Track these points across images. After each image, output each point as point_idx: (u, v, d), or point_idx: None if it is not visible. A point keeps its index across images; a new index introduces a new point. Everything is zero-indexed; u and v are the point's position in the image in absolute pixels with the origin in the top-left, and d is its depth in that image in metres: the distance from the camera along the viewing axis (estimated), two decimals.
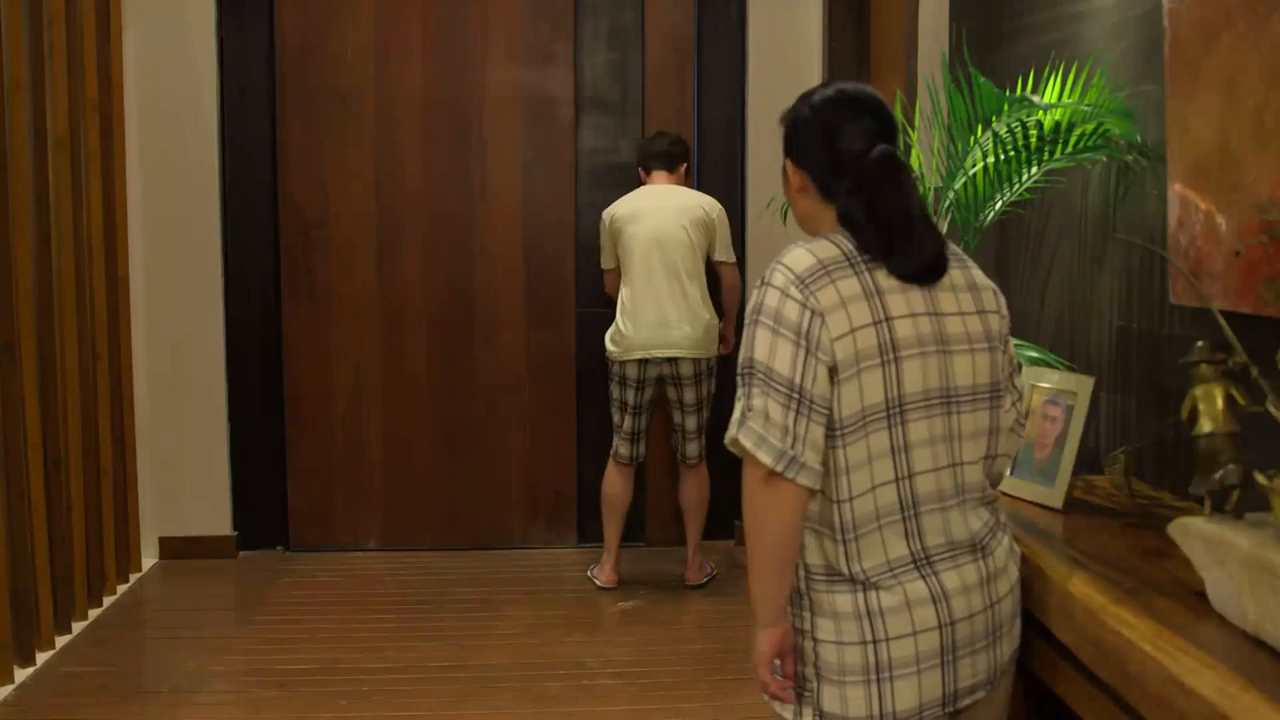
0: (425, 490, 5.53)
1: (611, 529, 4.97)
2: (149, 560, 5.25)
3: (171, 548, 5.30)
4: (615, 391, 4.90)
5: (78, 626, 4.44)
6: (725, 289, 5.05)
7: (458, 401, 5.49)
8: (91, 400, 4.66)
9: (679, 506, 5.15)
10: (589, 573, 5.06)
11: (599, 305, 5.36)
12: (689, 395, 4.84)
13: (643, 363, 4.78)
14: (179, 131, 5.18)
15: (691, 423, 4.89)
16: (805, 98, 2.05)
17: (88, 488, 4.58)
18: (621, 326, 4.80)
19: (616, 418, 4.92)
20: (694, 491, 4.99)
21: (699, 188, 5.57)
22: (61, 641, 4.28)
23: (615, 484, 4.95)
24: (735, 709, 3.74)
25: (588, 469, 5.45)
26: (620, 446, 4.92)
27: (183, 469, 5.29)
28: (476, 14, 5.36)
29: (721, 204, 4.98)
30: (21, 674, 3.96)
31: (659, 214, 4.80)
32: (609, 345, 4.86)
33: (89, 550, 4.57)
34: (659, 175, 4.94)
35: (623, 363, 4.81)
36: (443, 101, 5.38)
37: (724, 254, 4.94)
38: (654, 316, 4.73)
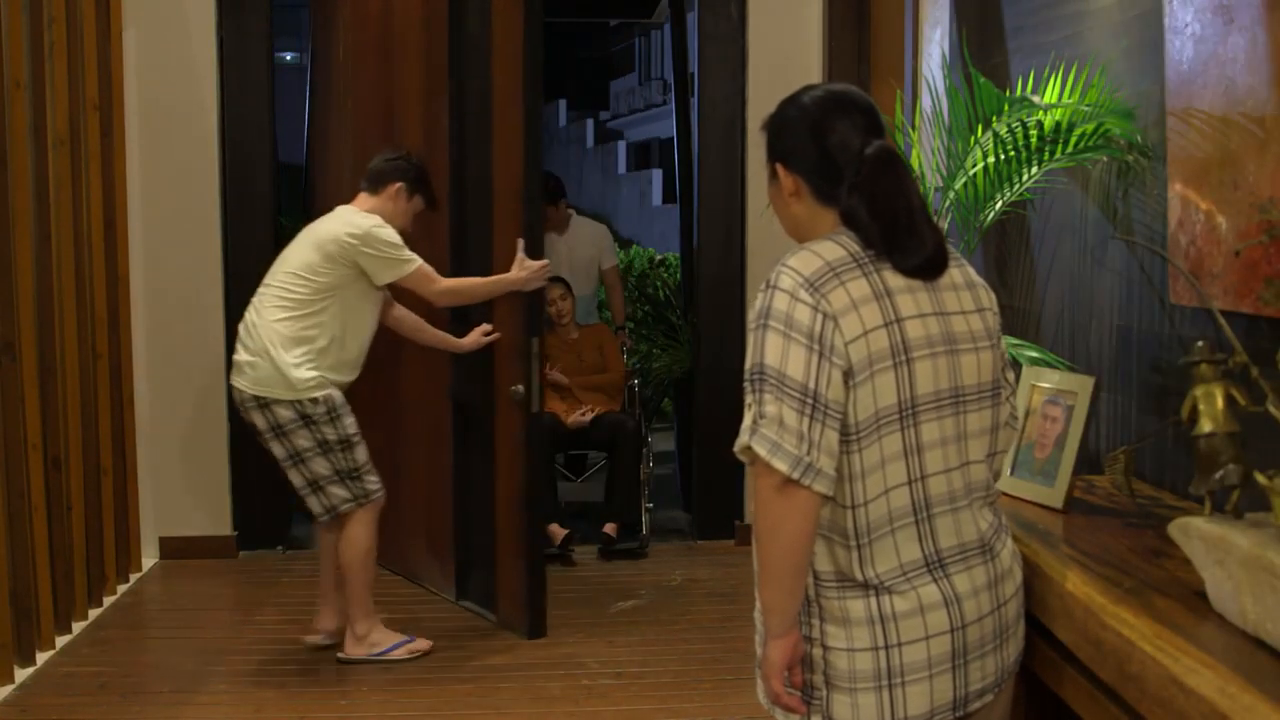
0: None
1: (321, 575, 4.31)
2: (149, 560, 5.25)
3: (172, 548, 5.30)
4: None
5: (78, 626, 4.43)
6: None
7: (386, 417, 5.08)
8: (92, 400, 4.66)
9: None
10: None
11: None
12: (276, 449, 4.02)
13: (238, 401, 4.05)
14: (179, 131, 5.18)
15: (295, 478, 4.06)
16: (791, 100, 2.02)
17: (88, 487, 4.58)
18: None
19: None
20: (331, 554, 4.22)
21: (699, 191, 5.58)
22: (61, 641, 4.28)
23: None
24: (735, 709, 3.74)
25: (465, 512, 4.75)
26: None
27: (183, 469, 5.29)
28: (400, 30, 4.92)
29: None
30: (22, 674, 3.95)
31: (301, 238, 4.12)
32: None
33: (89, 550, 4.56)
34: (360, 198, 4.19)
35: None
36: (379, 103, 5.07)
37: (386, 275, 4.06)
38: (237, 347, 4.06)
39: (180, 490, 5.30)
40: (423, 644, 4.23)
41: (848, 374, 1.81)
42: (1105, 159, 3.13)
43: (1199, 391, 2.07)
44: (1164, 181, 2.82)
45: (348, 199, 4.16)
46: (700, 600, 4.84)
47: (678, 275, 7.98)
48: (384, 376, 4.90)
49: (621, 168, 26.61)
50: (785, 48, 5.33)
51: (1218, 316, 2.10)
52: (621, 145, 27.22)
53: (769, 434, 1.78)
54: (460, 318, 4.49)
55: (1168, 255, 2.75)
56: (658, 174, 23.54)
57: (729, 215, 5.46)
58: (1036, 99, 3.20)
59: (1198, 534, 1.91)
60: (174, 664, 4.16)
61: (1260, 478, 1.84)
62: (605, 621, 4.58)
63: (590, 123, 29.18)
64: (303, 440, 3.97)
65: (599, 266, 6.41)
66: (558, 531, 5.32)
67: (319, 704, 3.82)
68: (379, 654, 4.14)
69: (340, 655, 4.14)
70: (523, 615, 4.41)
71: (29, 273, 4.06)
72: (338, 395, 4.02)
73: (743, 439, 1.82)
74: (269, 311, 3.99)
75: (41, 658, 4.10)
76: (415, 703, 3.84)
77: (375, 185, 4.18)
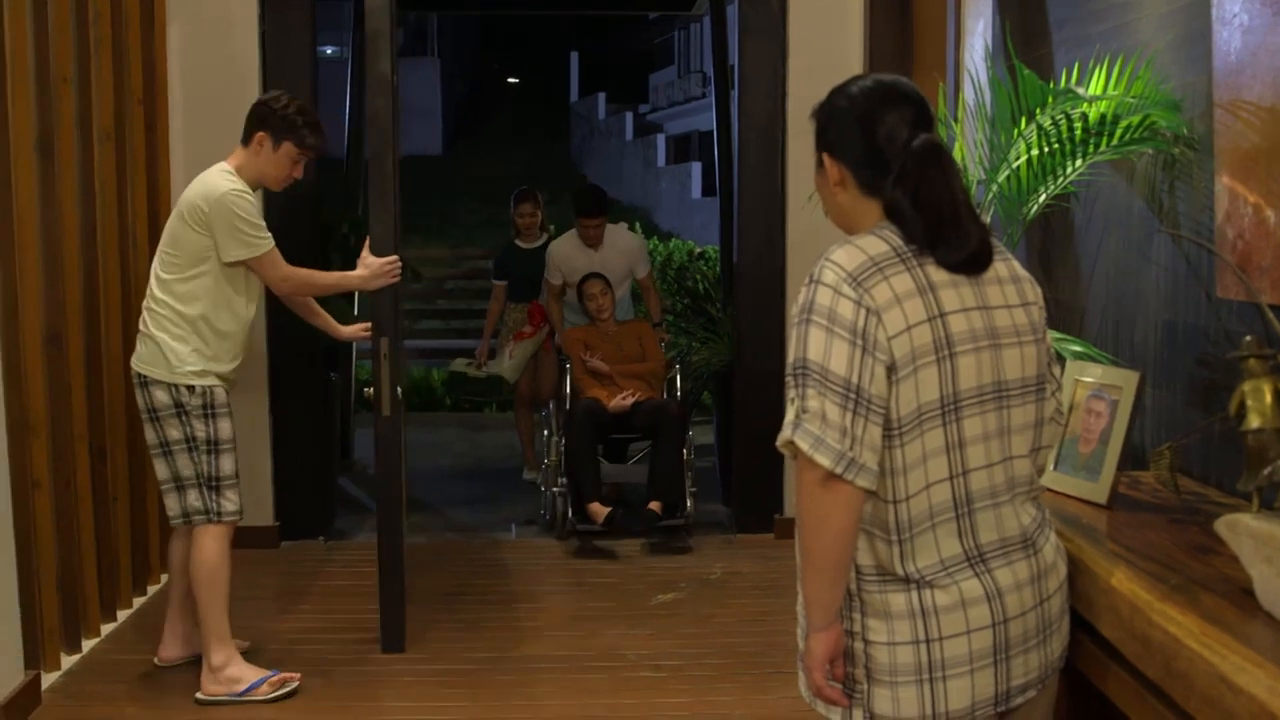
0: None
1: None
2: None
3: None
4: None
5: (123, 614, 4.49)
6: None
7: None
8: None
9: None
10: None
11: None
12: (148, 433, 3.79)
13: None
14: (223, 126, 5.18)
15: (159, 470, 3.80)
16: (840, 90, 2.01)
17: (133, 478, 4.63)
18: None
19: None
20: (181, 569, 3.93)
21: (739, 185, 5.56)
22: (108, 629, 4.33)
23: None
24: (775, 703, 3.74)
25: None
26: None
27: None
28: None
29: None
30: (69, 660, 4.01)
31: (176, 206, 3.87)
32: None
33: (134, 540, 4.62)
34: (235, 152, 3.93)
35: None
36: None
37: (233, 251, 3.76)
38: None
39: None
40: (291, 677, 3.83)
41: (891, 369, 1.81)
42: (1151, 151, 3.09)
43: (1247, 386, 2.05)
44: (1211, 174, 2.78)
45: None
46: (740, 594, 4.84)
47: (717, 268, 7.97)
48: None
49: (661, 160, 26.62)
50: (826, 40, 5.31)
51: (1266, 311, 2.08)
52: (661, 138, 27.21)
53: (812, 429, 1.78)
54: None
55: (1215, 249, 2.72)
56: (697, 166, 23.53)
57: (769, 208, 5.44)
58: (1081, 91, 3.16)
59: (1246, 530, 1.89)
60: None
61: None
62: (645, 614, 4.59)
63: (630, 115, 29.19)
64: (173, 430, 3.71)
65: (634, 276, 6.41)
66: (599, 510, 5.31)
67: (358, 693, 3.85)
68: (240, 693, 3.74)
69: (198, 695, 3.74)
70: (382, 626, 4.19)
71: (76, 265, 4.11)
72: (221, 393, 3.75)
73: (785, 433, 1.82)
74: (152, 287, 3.78)
75: (88, 645, 4.15)
76: (456, 694, 3.85)
77: (244, 136, 3.87)
